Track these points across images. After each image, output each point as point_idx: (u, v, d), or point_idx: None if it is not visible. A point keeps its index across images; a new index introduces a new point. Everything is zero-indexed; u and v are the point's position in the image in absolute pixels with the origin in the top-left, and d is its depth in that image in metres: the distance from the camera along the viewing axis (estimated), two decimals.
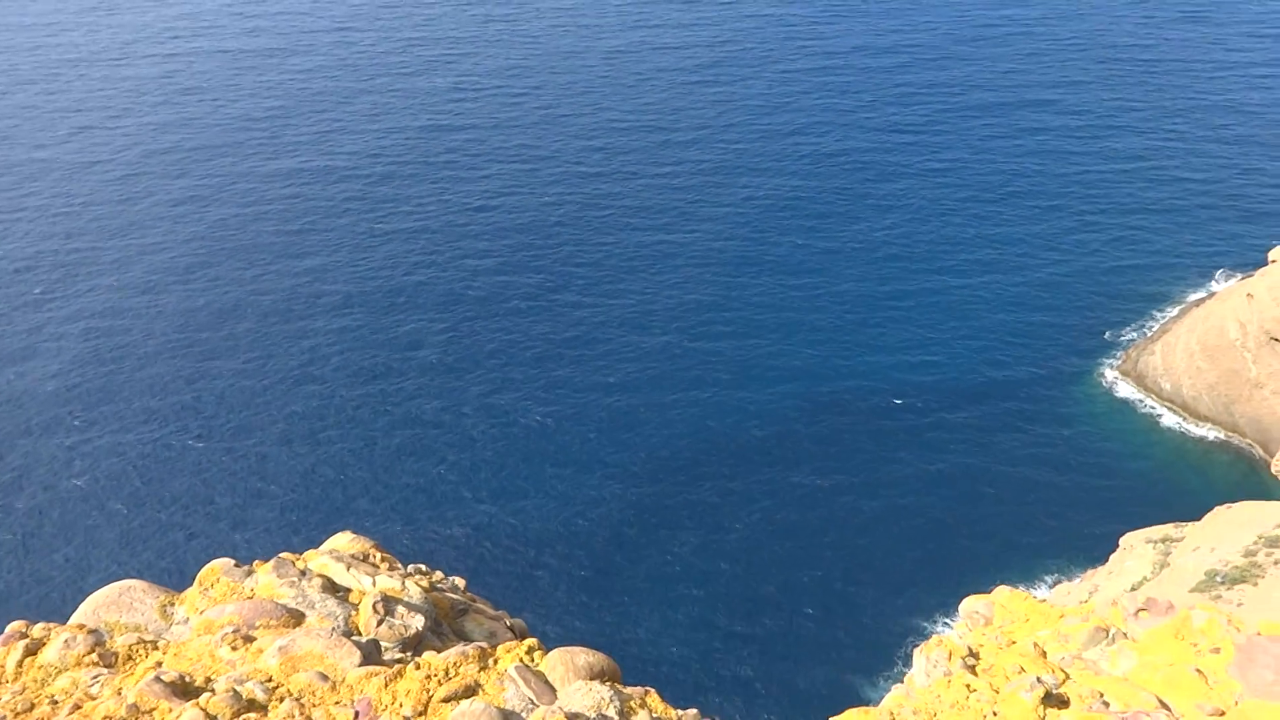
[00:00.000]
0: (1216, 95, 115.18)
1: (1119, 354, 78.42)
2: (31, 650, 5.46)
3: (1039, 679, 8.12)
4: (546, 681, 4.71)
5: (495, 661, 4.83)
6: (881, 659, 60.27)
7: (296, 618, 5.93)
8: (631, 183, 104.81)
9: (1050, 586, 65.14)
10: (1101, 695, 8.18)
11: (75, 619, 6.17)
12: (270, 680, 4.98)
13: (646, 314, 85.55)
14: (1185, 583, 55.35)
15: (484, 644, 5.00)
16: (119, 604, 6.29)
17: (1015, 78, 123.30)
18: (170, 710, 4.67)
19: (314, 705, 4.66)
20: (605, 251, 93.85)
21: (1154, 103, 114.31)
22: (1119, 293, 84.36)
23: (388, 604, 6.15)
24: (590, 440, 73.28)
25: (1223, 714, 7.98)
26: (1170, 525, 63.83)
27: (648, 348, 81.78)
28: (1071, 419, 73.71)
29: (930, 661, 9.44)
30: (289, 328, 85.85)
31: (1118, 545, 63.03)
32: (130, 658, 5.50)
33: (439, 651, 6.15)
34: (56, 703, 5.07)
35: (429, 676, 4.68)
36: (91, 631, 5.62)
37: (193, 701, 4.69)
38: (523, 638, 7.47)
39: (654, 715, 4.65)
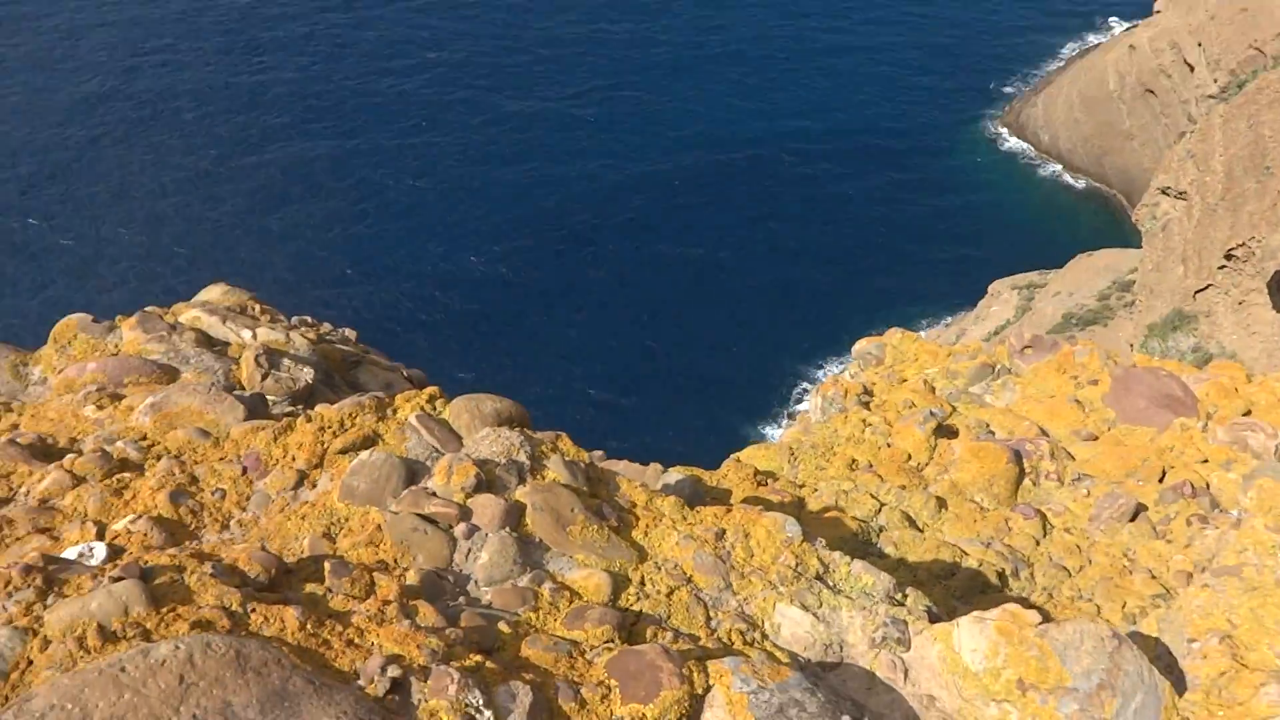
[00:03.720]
0: None
1: (1004, 107, 79.12)
2: None
3: (931, 412, 8.38)
4: (451, 429, 4.42)
5: (394, 411, 4.50)
6: (771, 403, 63.81)
7: (169, 374, 5.44)
8: None
9: (924, 330, 68.75)
10: (987, 425, 8.53)
11: None
12: (144, 439, 4.55)
13: (524, 76, 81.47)
14: (1044, 326, 58.97)
15: (381, 394, 4.64)
16: None
17: None
18: (30, 473, 4.23)
19: (195, 462, 4.28)
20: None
21: None
22: (1006, 47, 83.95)
23: (271, 357, 5.70)
24: (468, 205, 71.54)
25: (1096, 438, 8.44)
26: (1036, 272, 67.26)
27: (523, 111, 78.51)
28: (953, 170, 75.18)
29: (826, 400, 9.65)
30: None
31: (986, 292, 66.37)
32: None
33: (332, 404, 5.80)
34: None
35: (322, 429, 4.32)
36: None
37: (55, 464, 4.25)
38: (422, 388, 7.18)
39: (566, 458, 4.44)
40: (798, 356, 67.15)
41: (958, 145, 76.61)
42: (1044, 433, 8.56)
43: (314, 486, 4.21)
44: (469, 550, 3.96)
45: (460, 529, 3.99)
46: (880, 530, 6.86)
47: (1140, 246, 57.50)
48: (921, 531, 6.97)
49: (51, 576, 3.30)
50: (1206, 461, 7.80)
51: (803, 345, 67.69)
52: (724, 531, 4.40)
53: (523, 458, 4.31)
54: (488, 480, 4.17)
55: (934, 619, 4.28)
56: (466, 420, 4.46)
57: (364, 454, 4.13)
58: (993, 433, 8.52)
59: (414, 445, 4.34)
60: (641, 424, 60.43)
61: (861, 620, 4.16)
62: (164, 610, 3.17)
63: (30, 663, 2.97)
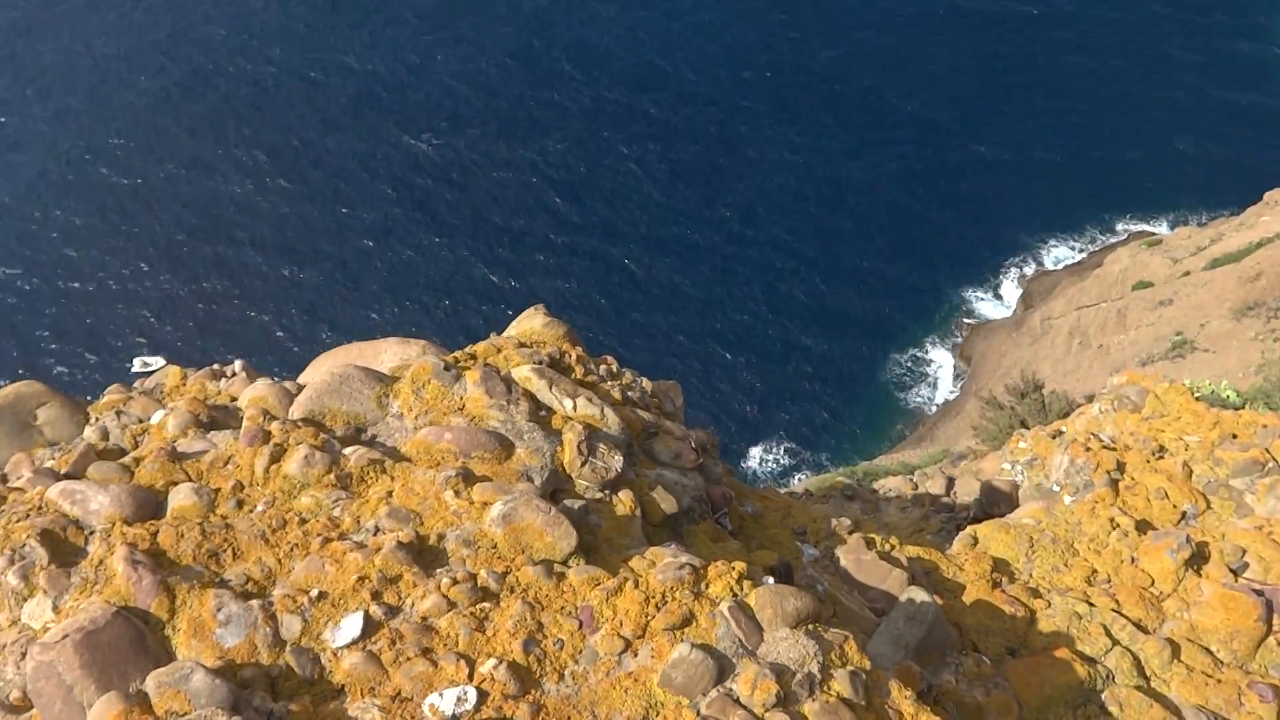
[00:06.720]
0: None
1: None
2: (275, 457, 5.92)
3: (1186, 538, 8.27)
4: (755, 621, 5.01)
5: (707, 586, 5.13)
6: (984, 273, 61.77)
7: (507, 449, 6.25)
8: None
9: (1171, 226, 63.40)
10: (1243, 553, 8.37)
11: (301, 406, 6.58)
12: (496, 551, 5.38)
13: None
14: None
15: (695, 562, 5.27)
16: (340, 392, 6.65)
17: None
18: (414, 585, 5.14)
19: (542, 607, 5.07)
20: None
21: None
22: None
23: (590, 442, 6.40)
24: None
25: None
26: None
27: None
28: (1255, 60, 66.39)
29: (1074, 466, 9.63)
30: None
31: (1261, 198, 59.97)
32: (363, 479, 5.94)
33: (633, 489, 6.49)
34: (305, 522, 5.61)
35: (647, 599, 5.01)
36: (325, 447, 6.01)
37: (435, 582, 5.14)
38: (702, 450, 7.77)
39: (850, 668, 4.97)
40: (1022, 227, 63.85)
41: (1270, 31, 67.12)
42: None
43: (636, 655, 4.95)
44: None
45: None
46: (1108, 679, 7.10)
47: None
48: (1148, 682, 7.17)
49: None
50: None
51: (1030, 219, 64.11)
52: None
53: (814, 668, 4.88)
54: (784, 694, 4.78)
55: None
56: (770, 615, 5.03)
57: (683, 647, 4.81)
58: (1247, 563, 8.38)
59: (722, 634, 4.97)
60: (859, 283, 59.87)
61: None
62: None
63: None
